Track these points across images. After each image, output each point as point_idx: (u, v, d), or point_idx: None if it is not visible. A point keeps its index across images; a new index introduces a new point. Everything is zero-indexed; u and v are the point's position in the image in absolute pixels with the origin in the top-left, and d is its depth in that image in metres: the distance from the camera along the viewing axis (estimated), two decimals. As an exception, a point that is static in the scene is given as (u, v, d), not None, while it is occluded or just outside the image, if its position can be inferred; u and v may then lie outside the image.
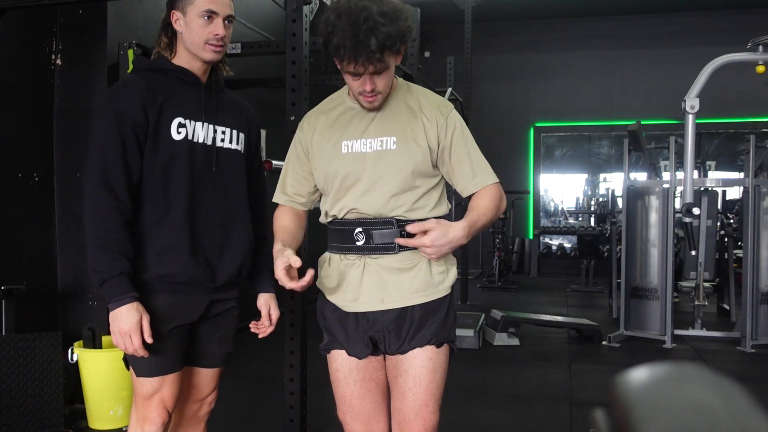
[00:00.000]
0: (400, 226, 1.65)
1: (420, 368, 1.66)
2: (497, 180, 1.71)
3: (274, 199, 1.83)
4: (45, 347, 2.98)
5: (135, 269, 1.69)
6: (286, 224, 1.77)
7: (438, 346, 1.68)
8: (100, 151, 1.68)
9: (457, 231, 1.58)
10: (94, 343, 3.19)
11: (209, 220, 1.79)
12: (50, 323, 3.57)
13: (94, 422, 3.20)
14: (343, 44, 1.52)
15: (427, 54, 7.70)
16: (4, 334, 2.96)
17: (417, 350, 1.67)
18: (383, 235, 1.65)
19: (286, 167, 1.82)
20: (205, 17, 1.73)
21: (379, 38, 1.51)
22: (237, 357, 4.56)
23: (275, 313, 1.93)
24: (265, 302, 1.93)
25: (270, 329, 1.93)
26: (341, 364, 1.75)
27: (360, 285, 1.68)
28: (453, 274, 1.74)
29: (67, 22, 3.69)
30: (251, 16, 5.74)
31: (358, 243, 1.67)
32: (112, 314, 1.64)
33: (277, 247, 1.68)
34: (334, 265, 1.73)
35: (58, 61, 3.69)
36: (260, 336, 1.94)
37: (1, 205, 3.36)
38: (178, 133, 1.74)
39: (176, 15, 1.77)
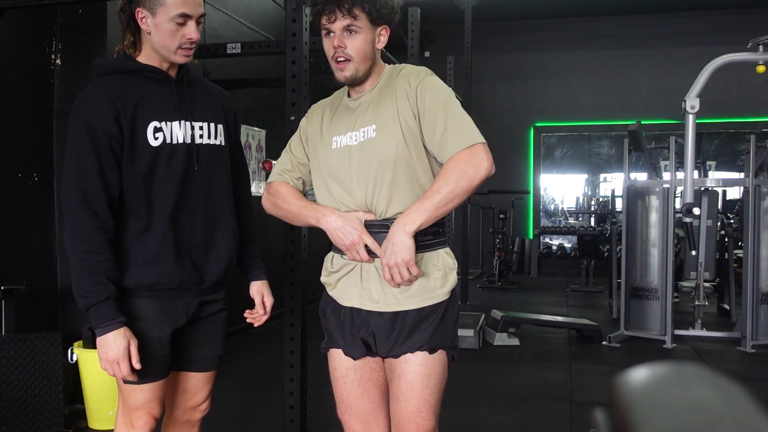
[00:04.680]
0: None
1: (412, 374, 1.62)
2: (472, 142, 1.54)
3: (268, 180, 1.80)
4: (45, 347, 2.98)
5: (121, 280, 1.64)
6: (296, 193, 1.74)
7: (431, 352, 1.63)
8: (77, 170, 1.61)
9: (395, 228, 1.55)
10: (93, 343, 3.18)
11: (194, 221, 1.73)
12: (50, 323, 3.57)
13: (94, 422, 3.20)
14: None
15: (427, 54, 7.71)
16: (4, 334, 2.95)
17: (408, 355, 1.63)
18: (382, 239, 1.61)
19: (283, 154, 1.80)
20: (178, 22, 1.63)
21: None
22: (236, 357, 4.58)
23: (269, 301, 1.89)
24: (258, 290, 1.90)
25: (264, 317, 1.89)
26: (339, 363, 1.74)
27: (360, 284, 1.67)
28: (452, 279, 1.66)
29: (67, 22, 3.69)
30: (251, 16, 5.74)
31: None
32: (98, 340, 1.60)
33: (319, 211, 1.65)
34: (336, 263, 1.72)
35: (58, 61, 3.69)
36: (255, 325, 1.90)
37: (1, 205, 3.36)
38: (155, 138, 1.66)
39: (142, 13, 1.64)
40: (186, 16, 1.64)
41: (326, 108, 1.76)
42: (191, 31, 1.66)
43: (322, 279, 1.78)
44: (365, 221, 1.62)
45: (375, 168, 1.60)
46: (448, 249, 1.70)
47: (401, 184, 1.61)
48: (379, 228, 1.62)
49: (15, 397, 2.88)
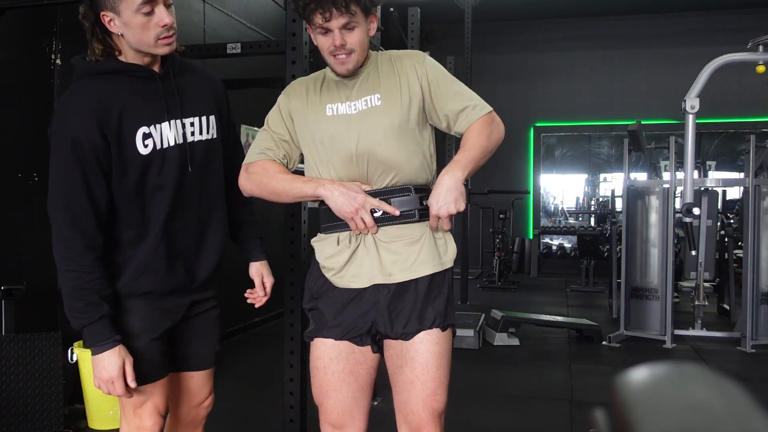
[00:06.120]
0: (417, 191, 1.63)
1: (427, 354, 1.61)
2: (489, 110, 1.67)
3: (245, 161, 1.72)
4: (45, 347, 2.98)
5: (113, 287, 1.61)
6: (285, 169, 1.70)
7: (443, 329, 1.64)
8: (62, 186, 1.53)
9: (447, 176, 1.56)
10: (94, 343, 3.19)
11: (187, 223, 1.69)
12: (50, 323, 3.56)
13: (94, 422, 3.20)
14: None
15: (427, 54, 7.70)
16: (3, 334, 2.95)
17: (422, 335, 1.62)
18: (402, 202, 1.61)
19: (260, 134, 1.75)
20: (144, 11, 1.51)
21: None
22: (236, 357, 4.58)
23: (269, 281, 1.87)
24: (257, 271, 1.88)
25: (265, 298, 1.87)
26: (322, 352, 1.69)
27: (367, 263, 1.63)
28: (452, 246, 1.70)
29: (67, 22, 3.69)
30: (251, 16, 5.74)
31: (376, 214, 1.60)
32: (93, 359, 1.56)
33: (316, 181, 1.62)
34: (343, 243, 1.66)
35: (58, 61, 3.69)
36: (257, 305, 1.89)
37: (1, 205, 3.36)
38: (145, 146, 1.57)
39: (108, 16, 1.53)
40: (151, 2, 1.52)
41: (309, 83, 1.74)
42: (162, 16, 1.54)
43: (321, 261, 1.70)
44: (378, 189, 1.63)
45: (380, 136, 1.61)
46: None
47: (402, 153, 1.63)
48: (400, 193, 1.62)
49: (15, 397, 2.88)
